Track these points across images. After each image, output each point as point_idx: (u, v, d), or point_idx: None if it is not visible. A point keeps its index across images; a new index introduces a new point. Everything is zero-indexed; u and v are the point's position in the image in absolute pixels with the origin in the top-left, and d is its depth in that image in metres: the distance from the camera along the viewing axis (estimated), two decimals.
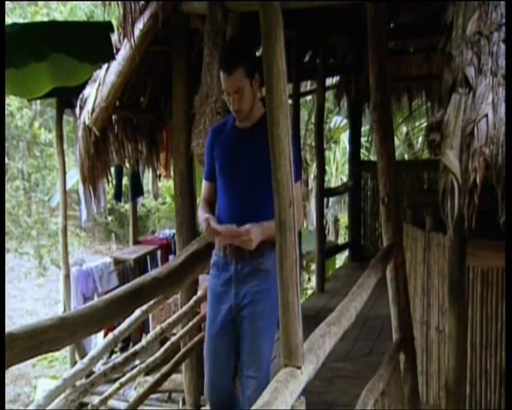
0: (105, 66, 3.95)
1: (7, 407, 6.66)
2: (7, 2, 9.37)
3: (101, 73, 4.06)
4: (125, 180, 6.99)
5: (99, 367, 4.27)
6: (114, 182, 6.05)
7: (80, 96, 4.30)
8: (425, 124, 9.21)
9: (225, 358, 2.53)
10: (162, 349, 3.89)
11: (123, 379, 3.85)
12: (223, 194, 2.53)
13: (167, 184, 10.43)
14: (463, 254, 3.04)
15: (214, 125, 2.69)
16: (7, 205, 10.94)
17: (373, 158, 9.50)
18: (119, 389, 3.83)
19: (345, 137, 10.59)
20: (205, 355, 2.61)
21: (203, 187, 2.64)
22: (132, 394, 4.39)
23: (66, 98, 5.17)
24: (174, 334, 3.91)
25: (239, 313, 2.49)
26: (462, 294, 3.06)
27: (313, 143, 8.38)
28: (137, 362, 4.34)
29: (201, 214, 2.52)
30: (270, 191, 2.34)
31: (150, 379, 4.01)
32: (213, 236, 2.45)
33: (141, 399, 3.76)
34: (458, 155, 2.18)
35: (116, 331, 3.45)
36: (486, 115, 2.10)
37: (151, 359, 3.85)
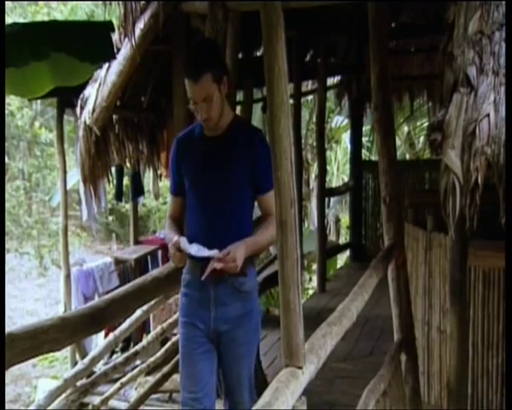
0: (106, 65, 3.95)
1: (7, 407, 6.65)
2: (7, 2, 9.39)
3: (101, 72, 4.06)
4: (126, 180, 6.98)
5: (100, 367, 4.27)
6: (115, 182, 6.05)
7: (81, 95, 4.30)
8: (426, 124, 9.20)
9: (206, 377, 2.32)
10: (163, 349, 3.89)
11: (124, 379, 3.86)
12: (194, 210, 2.30)
13: (168, 184, 10.42)
14: (465, 255, 3.03)
15: (179, 136, 2.43)
16: (7, 205, 10.92)
17: (374, 158, 9.49)
18: (119, 389, 3.83)
19: (346, 137, 10.58)
20: (183, 374, 2.37)
21: (170, 203, 2.45)
22: (133, 394, 4.38)
23: (67, 98, 5.17)
24: (175, 334, 3.91)
25: (219, 338, 2.28)
26: (463, 294, 3.05)
27: (314, 143, 8.37)
28: (138, 362, 4.34)
29: (169, 235, 2.28)
30: (247, 203, 2.27)
31: (151, 379, 4.01)
32: (184, 260, 2.25)
33: (141, 399, 3.76)
34: (460, 155, 2.17)
35: (117, 331, 3.45)
36: (488, 115, 2.10)
37: (152, 359, 3.85)
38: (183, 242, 2.19)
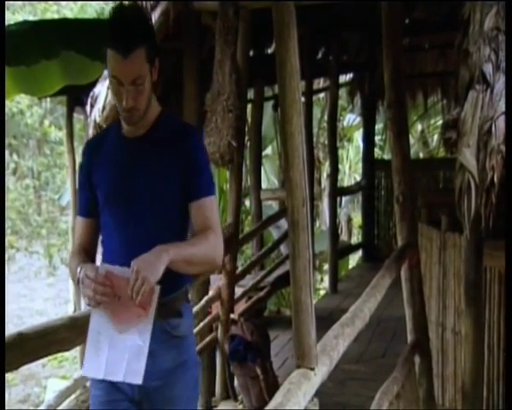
0: None
1: (17, 406, 6.67)
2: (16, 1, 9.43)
3: None
4: None
5: None
6: None
7: (91, 93, 4.28)
8: (440, 122, 9.12)
9: None
10: None
11: None
12: (111, 233, 1.76)
13: None
14: (480, 255, 3.00)
15: (89, 140, 1.94)
16: (16, 203, 10.97)
17: (387, 157, 9.43)
18: None
19: (358, 136, 10.52)
20: None
21: (77, 227, 1.86)
22: None
23: (77, 96, 5.18)
24: None
25: (146, 398, 1.73)
26: (478, 295, 3.01)
27: (326, 142, 8.33)
28: None
29: (76, 266, 1.68)
30: (182, 217, 1.74)
31: None
32: (105, 290, 1.61)
33: None
34: (475, 154, 2.14)
35: None
36: (504, 113, 2.06)
37: None
38: (101, 266, 1.66)
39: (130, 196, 1.73)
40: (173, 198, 1.73)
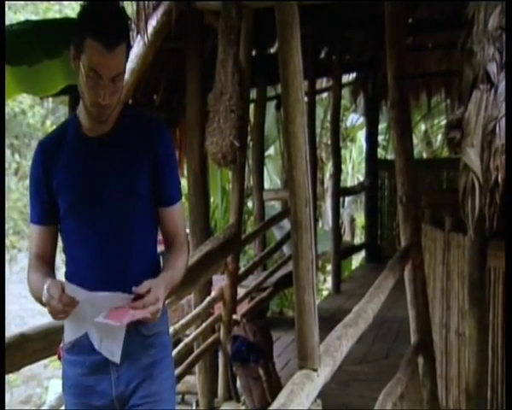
0: None
1: (18, 407, 6.67)
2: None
3: None
4: None
5: None
6: None
7: None
8: (444, 121, 9.09)
9: None
10: (175, 351, 3.86)
11: None
12: (77, 241, 1.64)
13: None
14: (484, 255, 3.00)
15: (42, 141, 1.73)
16: (18, 204, 10.97)
17: (390, 157, 9.40)
18: None
19: (361, 136, 10.49)
20: None
21: (33, 235, 1.69)
22: None
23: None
24: (187, 335, 3.88)
25: (127, 404, 1.64)
26: (482, 296, 3.01)
27: (329, 142, 8.31)
28: None
29: (38, 280, 1.57)
30: (152, 222, 1.66)
31: None
32: (70, 309, 1.50)
33: None
34: (479, 154, 2.14)
35: None
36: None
37: None
38: (69, 285, 1.53)
39: (98, 201, 1.61)
40: (145, 201, 1.64)
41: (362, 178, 9.13)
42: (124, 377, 1.61)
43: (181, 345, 3.80)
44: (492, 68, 2.17)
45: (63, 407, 2.87)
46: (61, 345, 1.67)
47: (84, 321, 1.55)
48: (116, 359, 1.57)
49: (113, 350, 1.57)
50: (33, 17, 8.94)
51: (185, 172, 4.29)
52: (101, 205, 1.62)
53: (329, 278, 7.16)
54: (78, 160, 1.64)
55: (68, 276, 1.65)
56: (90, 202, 1.62)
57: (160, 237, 1.71)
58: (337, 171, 6.56)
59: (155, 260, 1.69)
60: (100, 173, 1.63)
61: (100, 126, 1.62)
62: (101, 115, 1.58)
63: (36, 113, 11.06)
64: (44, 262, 1.67)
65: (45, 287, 1.50)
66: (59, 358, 1.71)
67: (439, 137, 10.51)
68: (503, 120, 2.10)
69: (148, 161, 1.63)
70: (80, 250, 1.64)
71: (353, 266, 8.70)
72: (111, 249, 1.61)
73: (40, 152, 1.68)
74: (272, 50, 5.40)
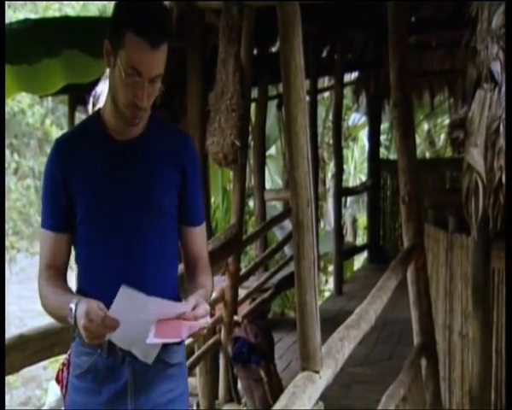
0: None
1: (17, 409, 6.66)
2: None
3: None
4: None
5: None
6: None
7: (93, 92, 4.26)
8: (447, 121, 9.08)
9: None
10: None
11: None
12: (98, 251, 1.50)
13: None
14: (488, 257, 2.98)
15: (60, 140, 1.56)
16: (18, 204, 10.97)
17: (392, 157, 9.39)
18: None
19: (363, 135, 10.48)
20: None
21: (48, 244, 1.52)
22: None
23: (79, 95, 5.15)
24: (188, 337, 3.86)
25: None
26: (486, 297, 2.99)
27: (331, 141, 8.30)
28: None
29: (57, 296, 1.45)
30: (176, 238, 1.56)
31: None
32: (112, 331, 1.35)
33: None
34: (483, 154, 2.13)
35: None
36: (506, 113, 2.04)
37: None
38: (125, 292, 1.35)
39: (120, 210, 1.48)
40: (172, 215, 1.53)
41: (364, 178, 9.11)
42: (140, 402, 1.48)
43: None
44: (496, 67, 2.16)
45: (63, 409, 2.85)
46: (62, 368, 1.58)
47: (126, 336, 1.39)
48: (149, 360, 1.44)
49: (147, 351, 1.42)
50: (32, 16, 8.93)
51: None
52: (123, 215, 1.49)
53: (331, 279, 7.15)
54: (102, 163, 1.50)
55: (82, 288, 1.51)
56: (113, 211, 1.49)
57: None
58: (339, 171, 6.54)
59: (174, 284, 1.57)
60: (125, 180, 1.49)
61: (129, 129, 1.50)
62: (134, 118, 1.46)
63: (35, 112, 11.05)
64: (59, 274, 1.51)
65: (82, 310, 1.34)
66: (58, 381, 1.59)
67: (442, 136, 10.50)
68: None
69: (176, 176, 1.52)
70: (97, 262, 1.51)
71: (355, 267, 8.68)
72: (131, 263, 1.48)
73: (58, 151, 1.52)
74: (274, 49, 5.38)
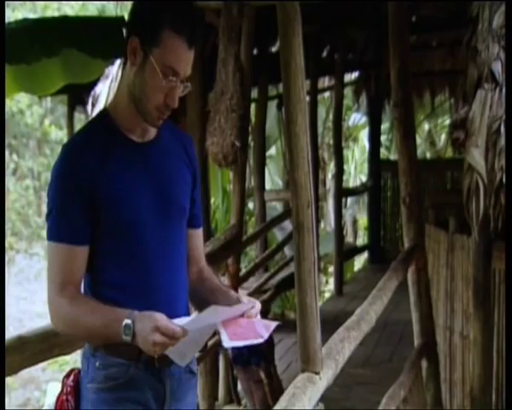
0: (117, 61, 3.91)
1: None
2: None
3: (113, 69, 4.03)
4: None
5: None
6: None
7: (92, 92, 4.27)
8: (448, 121, 9.08)
9: None
10: None
11: None
12: (120, 267, 1.40)
13: None
14: (489, 257, 2.98)
15: (78, 143, 1.42)
16: (16, 205, 10.96)
17: (393, 157, 9.38)
18: None
19: (364, 136, 10.47)
20: None
21: (61, 259, 1.37)
22: None
23: (78, 95, 5.15)
24: None
25: None
26: (487, 298, 2.99)
27: (331, 142, 8.29)
28: None
29: (104, 316, 1.32)
30: (186, 241, 1.51)
31: None
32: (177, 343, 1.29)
33: None
34: (484, 154, 2.13)
35: None
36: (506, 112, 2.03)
37: None
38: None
39: (152, 213, 1.40)
40: (186, 219, 1.49)
41: (364, 179, 9.10)
42: None
43: None
44: (497, 67, 2.16)
45: None
46: (66, 397, 1.44)
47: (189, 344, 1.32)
48: (183, 363, 1.39)
49: (185, 353, 1.36)
50: (31, 15, 8.92)
51: None
52: (152, 221, 1.40)
53: (332, 280, 7.14)
54: (125, 166, 1.40)
55: (106, 299, 1.37)
56: (142, 217, 1.39)
57: None
58: (339, 171, 6.53)
59: (186, 287, 1.51)
60: (152, 185, 1.42)
61: (147, 131, 1.43)
62: (160, 119, 1.40)
63: (34, 112, 11.04)
64: (79, 291, 1.39)
65: (148, 325, 1.26)
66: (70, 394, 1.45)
67: (443, 136, 10.49)
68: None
69: (190, 177, 1.50)
70: (123, 275, 1.40)
71: (356, 268, 8.67)
72: (160, 274, 1.41)
73: (73, 156, 1.37)
74: (274, 49, 5.37)
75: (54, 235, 1.37)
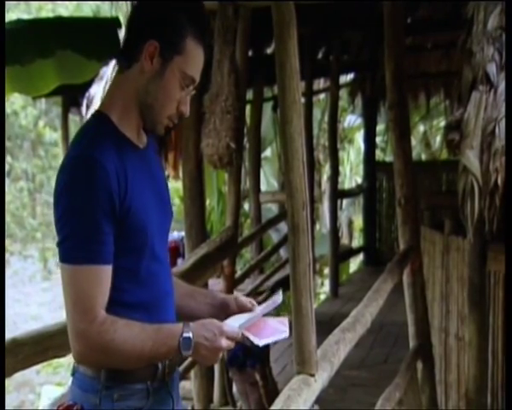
0: (112, 63, 3.90)
1: None
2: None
3: (108, 70, 4.01)
4: None
5: None
6: None
7: (86, 94, 4.26)
8: (443, 123, 9.09)
9: None
10: None
11: None
12: (136, 284, 1.29)
13: (176, 186, 10.36)
14: (484, 259, 2.98)
15: (99, 155, 1.22)
16: (11, 206, 10.93)
17: (388, 159, 9.39)
18: None
19: (359, 137, 10.50)
20: None
21: (99, 281, 1.21)
22: None
23: (72, 96, 5.14)
24: None
25: None
26: (482, 300, 2.99)
27: (326, 143, 8.28)
28: None
29: (156, 334, 1.23)
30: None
31: None
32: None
33: None
34: (479, 156, 2.13)
35: None
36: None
37: None
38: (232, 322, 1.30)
39: (159, 222, 1.33)
40: None
41: (360, 181, 9.11)
42: None
43: None
44: (492, 69, 2.16)
45: None
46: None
47: None
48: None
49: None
50: (26, 16, 8.90)
51: (181, 175, 4.26)
52: (157, 234, 1.31)
53: (327, 282, 7.13)
54: (139, 175, 1.29)
55: (127, 316, 1.26)
56: (153, 231, 1.29)
57: None
58: (335, 173, 6.53)
59: None
60: (156, 193, 1.35)
61: (142, 136, 1.34)
62: (169, 126, 1.34)
63: (28, 114, 11.02)
64: (108, 315, 1.24)
65: (211, 333, 1.22)
66: None
67: (438, 138, 10.52)
68: (503, 121, 2.08)
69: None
70: (141, 293, 1.29)
71: (351, 270, 8.68)
72: (168, 290, 1.35)
73: (105, 168, 1.20)
74: (269, 51, 5.37)
75: (80, 257, 1.20)
